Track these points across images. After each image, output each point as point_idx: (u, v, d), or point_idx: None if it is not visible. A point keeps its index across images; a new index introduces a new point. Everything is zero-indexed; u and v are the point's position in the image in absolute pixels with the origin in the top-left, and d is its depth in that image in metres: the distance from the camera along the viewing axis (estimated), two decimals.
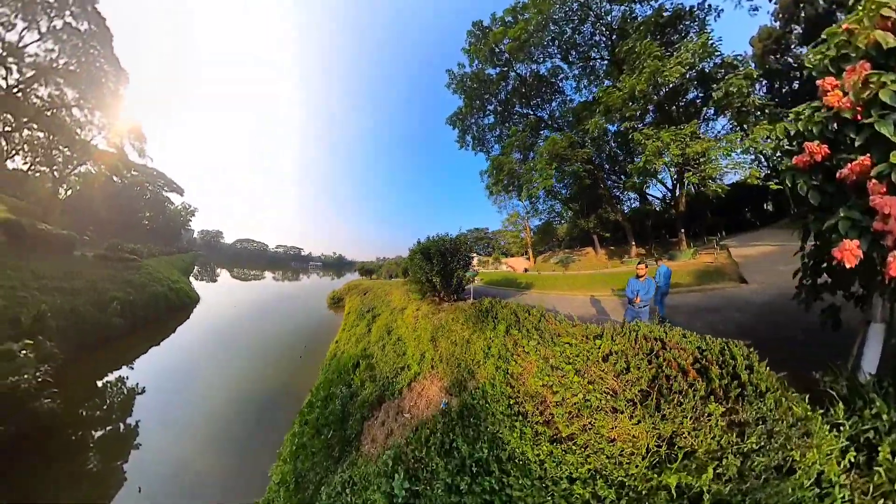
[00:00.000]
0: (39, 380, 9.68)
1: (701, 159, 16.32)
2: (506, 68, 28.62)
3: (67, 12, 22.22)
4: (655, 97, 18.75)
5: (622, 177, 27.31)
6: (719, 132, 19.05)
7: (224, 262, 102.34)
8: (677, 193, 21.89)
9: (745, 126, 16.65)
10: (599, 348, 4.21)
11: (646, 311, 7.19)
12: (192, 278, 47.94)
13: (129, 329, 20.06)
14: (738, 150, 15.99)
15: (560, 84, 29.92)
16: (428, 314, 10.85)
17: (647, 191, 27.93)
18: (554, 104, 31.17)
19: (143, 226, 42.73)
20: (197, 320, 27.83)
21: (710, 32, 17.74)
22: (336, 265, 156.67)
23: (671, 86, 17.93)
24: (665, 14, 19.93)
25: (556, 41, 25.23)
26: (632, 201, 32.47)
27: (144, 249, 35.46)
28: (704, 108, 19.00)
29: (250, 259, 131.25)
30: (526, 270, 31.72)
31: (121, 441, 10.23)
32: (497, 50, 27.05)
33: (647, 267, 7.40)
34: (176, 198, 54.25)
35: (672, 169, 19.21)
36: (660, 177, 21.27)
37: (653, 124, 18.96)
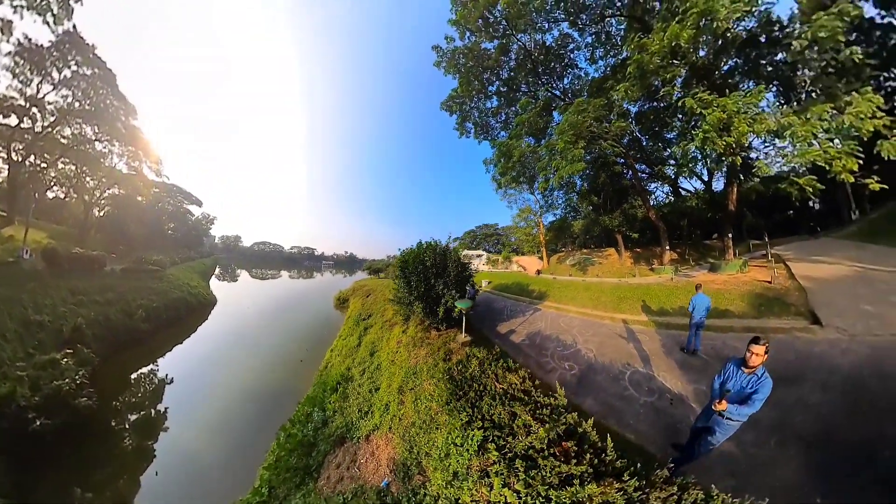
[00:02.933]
0: (77, 382, 12.15)
1: (775, 141, 11.64)
2: (505, 40, 23.80)
3: (73, 62, 25.31)
4: (699, 56, 13.56)
5: (650, 165, 22.60)
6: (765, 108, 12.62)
7: (244, 264, 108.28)
8: (716, 186, 17.01)
9: (832, 95, 10.82)
10: None
11: (734, 427, 3.97)
12: (214, 279, 51.78)
13: (154, 331, 22.96)
14: (823, 130, 10.29)
15: (571, 56, 24.66)
16: (410, 344, 9.79)
17: (680, 183, 23.23)
18: (566, 80, 25.78)
19: (169, 236, 46.66)
20: (216, 319, 30.54)
21: None
22: (348, 263, 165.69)
23: (721, 41, 13.10)
24: None
25: (562, 2, 20.08)
26: (658, 195, 27.28)
27: (167, 260, 38.93)
28: (748, 78, 14.36)
29: (267, 260, 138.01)
30: (539, 272, 28.63)
31: (151, 424, 12.24)
32: (491, 18, 22.47)
33: (763, 349, 3.84)
34: (195, 209, 58.14)
35: (718, 154, 12.43)
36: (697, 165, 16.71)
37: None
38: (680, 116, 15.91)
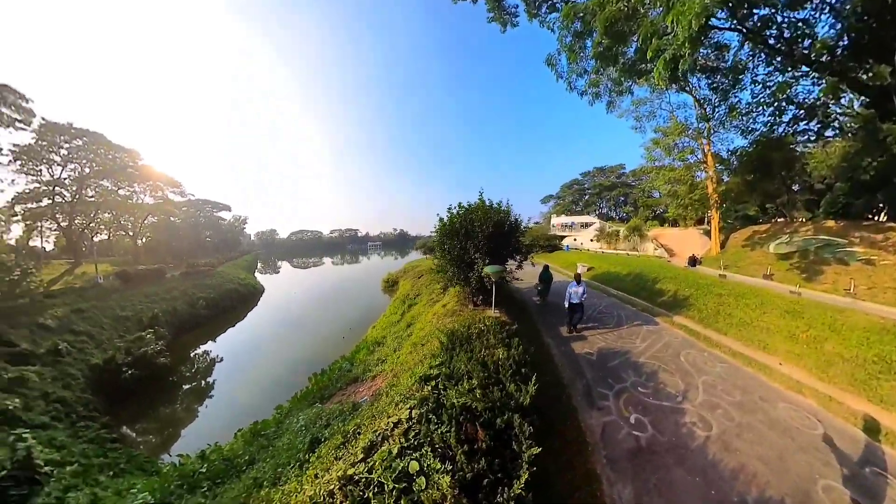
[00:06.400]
0: (157, 349, 16.98)
1: None
2: None
3: (63, 142, 29.86)
4: None
5: None
6: None
7: (284, 255, 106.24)
8: None
9: None
10: None
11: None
12: (257, 274, 56.89)
13: (213, 316, 28.57)
14: None
15: None
16: (443, 314, 9.71)
17: None
18: None
19: (208, 243, 53.07)
20: (263, 306, 35.18)
21: None
22: (398, 243, 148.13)
23: None
24: None
25: None
26: None
27: (215, 261, 45.31)
28: None
29: (307, 248, 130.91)
30: (695, 262, 16.88)
31: (200, 392, 15.40)
32: None
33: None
34: (226, 214, 64.14)
35: None
36: None
37: None
38: None
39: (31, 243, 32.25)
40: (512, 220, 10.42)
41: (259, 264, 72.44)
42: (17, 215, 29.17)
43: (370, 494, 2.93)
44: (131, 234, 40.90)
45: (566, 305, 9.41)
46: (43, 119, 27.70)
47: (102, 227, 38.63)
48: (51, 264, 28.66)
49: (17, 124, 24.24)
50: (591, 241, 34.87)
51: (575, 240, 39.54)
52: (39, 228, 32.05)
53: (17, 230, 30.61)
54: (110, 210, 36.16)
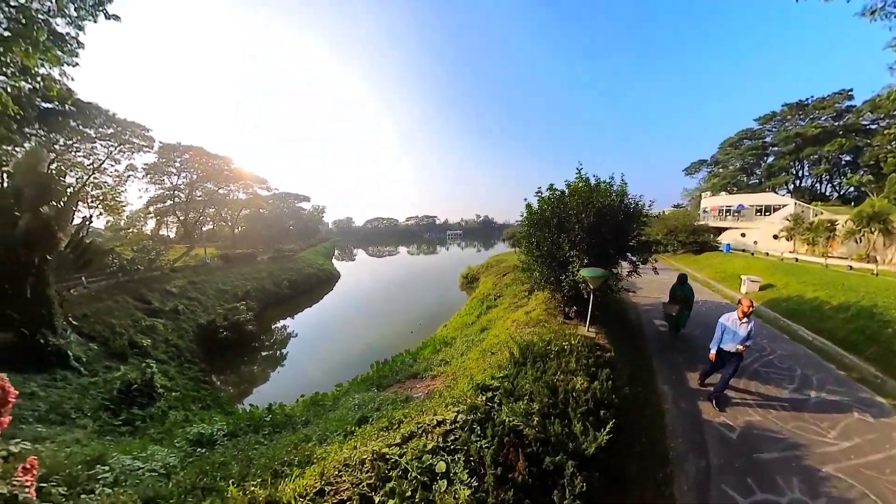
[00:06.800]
0: (247, 318, 20.95)
1: None
2: None
3: (177, 159, 40.73)
4: None
5: None
6: None
7: (359, 243, 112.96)
8: None
9: None
10: None
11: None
12: (333, 260, 63.75)
13: (294, 296, 33.55)
14: None
15: None
16: (524, 324, 8.66)
17: None
18: None
19: (291, 231, 62.14)
20: (338, 291, 39.44)
21: None
22: (482, 231, 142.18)
23: None
24: None
25: None
26: None
27: (297, 247, 52.80)
28: None
29: (382, 236, 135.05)
30: None
31: (275, 360, 18.47)
32: None
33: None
34: (306, 204, 73.83)
35: None
36: None
37: None
38: None
39: (161, 233, 46.27)
40: (627, 204, 8.39)
41: (336, 251, 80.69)
42: (150, 213, 42.19)
43: (394, 475, 3.20)
44: (230, 224, 52.41)
45: (712, 351, 6.26)
46: (160, 142, 37.71)
47: (208, 219, 51.09)
48: (173, 248, 38.20)
49: (144, 149, 33.87)
50: (776, 237, 23.83)
51: (743, 235, 28.07)
52: (166, 222, 45.75)
53: (151, 224, 44.36)
54: (214, 206, 47.43)
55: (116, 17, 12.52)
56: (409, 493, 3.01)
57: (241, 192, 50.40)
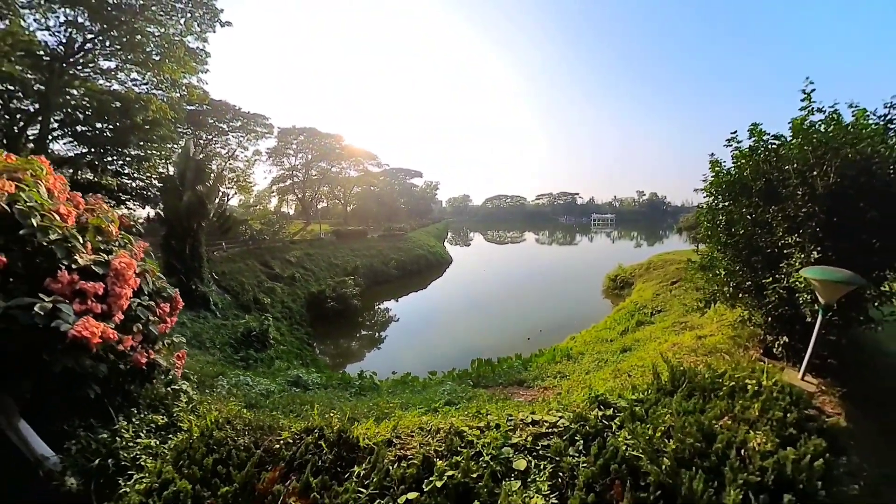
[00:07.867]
0: (353, 293, 24.63)
1: None
2: None
3: (293, 141, 52.60)
4: None
5: None
6: None
7: (476, 225, 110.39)
8: None
9: None
10: None
11: None
12: (446, 243, 66.40)
13: (401, 277, 37.51)
14: None
15: None
16: (691, 350, 7.31)
17: None
18: None
19: (402, 209, 69.27)
20: (448, 278, 41.48)
21: None
22: (646, 217, 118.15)
23: None
24: None
25: None
26: None
27: (407, 226, 58.39)
28: None
29: (505, 218, 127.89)
30: None
31: (374, 340, 21.72)
32: None
33: None
34: (418, 180, 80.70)
35: None
36: None
37: None
38: None
39: (282, 210, 59.84)
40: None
41: (449, 233, 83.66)
42: (273, 192, 55.98)
43: (465, 453, 3.39)
44: (342, 201, 62.26)
45: None
46: (278, 127, 47.93)
47: (323, 196, 62.81)
48: (293, 223, 47.50)
49: (266, 135, 45.10)
50: None
51: None
52: (286, 200, 59.41)
53: (274, 201, 58.51)
54: (327, 184, 58.14)
55: (229, 24, 17.34)
56: (474, 474, 3.18)
57: (352, 169, 59.16)
